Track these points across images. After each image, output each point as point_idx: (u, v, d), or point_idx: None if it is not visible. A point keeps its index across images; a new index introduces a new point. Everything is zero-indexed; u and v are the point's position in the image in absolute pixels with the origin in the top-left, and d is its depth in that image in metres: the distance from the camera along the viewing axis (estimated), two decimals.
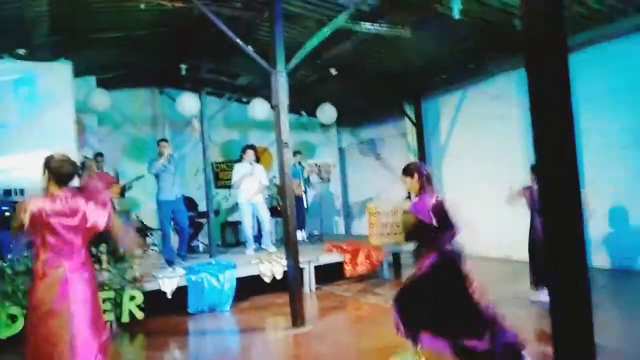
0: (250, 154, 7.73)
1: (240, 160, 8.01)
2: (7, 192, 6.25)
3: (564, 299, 2.08)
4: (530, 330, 4.34)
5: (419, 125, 9.38)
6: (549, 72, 2.10)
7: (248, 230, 7.62)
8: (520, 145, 7.40)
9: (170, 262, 6.57)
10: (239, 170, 7.66)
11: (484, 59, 7.67)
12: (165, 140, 7.17)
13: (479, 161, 8.50)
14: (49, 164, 2.80)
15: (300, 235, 8.68)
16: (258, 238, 8.76)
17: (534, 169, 5.19)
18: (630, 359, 3.52)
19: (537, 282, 5.18)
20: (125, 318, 5.31)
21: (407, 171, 3.59)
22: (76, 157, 6.64)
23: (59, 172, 2.80)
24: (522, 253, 7.51)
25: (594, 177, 6.32)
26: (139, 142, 9.63)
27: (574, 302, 2.05)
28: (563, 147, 2.06)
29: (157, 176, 6.81)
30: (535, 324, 4.51)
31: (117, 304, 5.31)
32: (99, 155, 7.93)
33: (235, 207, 10.11)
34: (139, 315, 5.35)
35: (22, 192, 7.77)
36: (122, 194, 7.89)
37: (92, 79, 8.27)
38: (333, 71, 8.23)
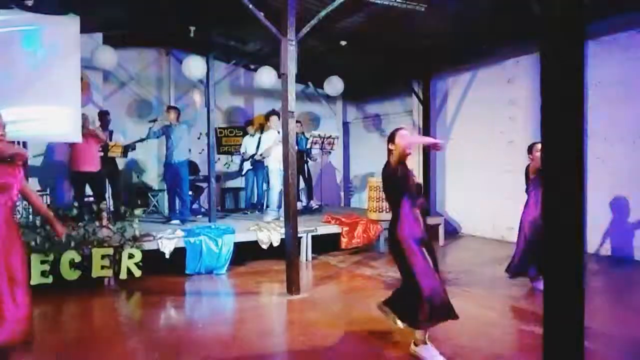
0: (274, 120, 7.68)
1: (245, 129, 8.04)
2: (10, 143, 6.23)
3: (559, 284, 2.11)
4: (519, 308, 4.44)
5: (426, 103, 9.32)
6: (564, 58, 2.08)
7: (275, 195, 7.51)
8: (525, 130, 7.38)
9: (169, 221, 6.82)
10: (269, 138, 7.69)
11: (497, 42, 7.57)
12: (171, 107, 7.35)
13: (483, 144, 8.51)
14: None
15: (314, 203, 8.81)
16: (256, 205, 8.84)
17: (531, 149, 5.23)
18: (617, 341, 3.60)
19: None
20: (123, 275, 5.40)
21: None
22: (79, 113, 6.68)
23: None
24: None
25: (597, 166, 6.37)
26: (143, 102, 9.59)
27: (569, 287, 2.09)
28: (571, 136, 2.06)
29: (165, 140, 7.26)
30: (524, 303, 4.60)
31: (116, 261, 5.40)
32: (105, 113, 7.86)
33: (233, 173, 10.19)
34: (137, 273, 5.45)
35: (24, 144, 7.80)
36: (124, 154, 7.90)
37: (99, 36, 8.17)
38: (343, 43, 8.12)
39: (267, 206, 7.83)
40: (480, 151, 8.54)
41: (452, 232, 8.94)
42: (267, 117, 8.00)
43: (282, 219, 7.18)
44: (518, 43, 7.40)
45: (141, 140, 7.93)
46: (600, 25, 6.38)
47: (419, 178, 9.36)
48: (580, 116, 2.06)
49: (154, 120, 7.41)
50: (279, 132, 7.48)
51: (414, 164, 9.74)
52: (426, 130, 9.35)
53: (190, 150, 8.45)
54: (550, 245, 2.14)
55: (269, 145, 7.65)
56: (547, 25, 2.14)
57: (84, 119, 7.14)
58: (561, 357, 2.12)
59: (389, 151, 3.51)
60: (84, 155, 7.02)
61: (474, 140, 8.71)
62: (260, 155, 7.98)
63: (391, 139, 3.54)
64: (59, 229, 3.37)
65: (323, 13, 5.15)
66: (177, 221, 7.01)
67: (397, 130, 3.57)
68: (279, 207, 7.40)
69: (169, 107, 7.51)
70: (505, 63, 8.07)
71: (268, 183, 7.81)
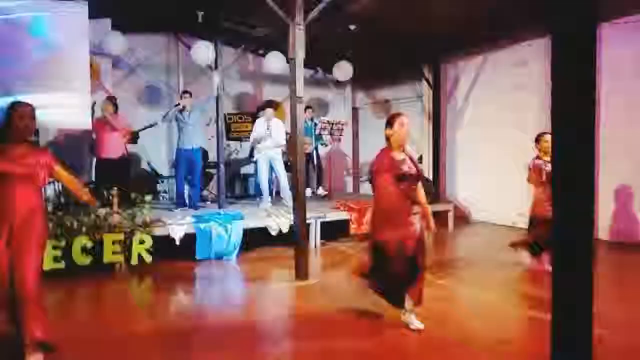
0: (268, 112, 7.66)
1: (257, 114, 8.08)
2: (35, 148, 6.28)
3: (567, 270, 2.09)
4: (527, 294, 4.42)
5: (436, 88, 9.21)
6: (576, 41, 2.03)
7: (264, 184, 7.63)
8: (536, 116, 7.28)
9: (180, 207, 6.84)
10: (256, 129, 7.67)
11: (509, 25, 7.42)
12: (185, 92, 7.31)
13: (493, 129, 8.41)
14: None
15: (323, 190, 8.79)
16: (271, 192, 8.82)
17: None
18: (624, 327, 3.58)
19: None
20: (134, 260, 5.47)
21: None
22: (89, 99, 6.70)
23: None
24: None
25: (610, 151, 6.27)
26: (152, 88, 9.58)
27: (577, 274, 2.07)
28: (581, 120, 2.02)
29: (178, 125, 7.20)
30: (532, 289, 4.57)
31: (127, 247, 5.45)
32: (112, 99, 7.89)
33: (245, 160, 10.16)
34: (148, 258, 5.51)
35: (37, 132, 7.82)
36: (133, 140, 7.92)
37: (107, 21, 8.15)
38: (352, 27, 8.02)
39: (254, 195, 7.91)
40: (491, 137, 8.44)
41: (463, 218, 8.88)
42: (262, 107, 8.01)
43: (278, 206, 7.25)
44: (530, 26, 7.26)
45: (151, 125, 7.95)
46: (613, 8, 6.23)
47: (425, 164, 9.31)
48: (591, 101, 2.02)
49: (177, 105, 7.28)
50: (267, 125, 7.54)
51: (424, 149, 9.68)
52: (437, 116, 9.26)
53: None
54: (560, 232, 2.12)
55: (254, 138, 7.64)
56: (558, 7, 2.08)
57: (103, 105, 7.21)
58: (569, 344, 2.11)
59: (387, 137, 3.56)
60: (108, 143, 7.05)
61: (484, 125, 8.60)
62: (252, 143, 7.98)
63: (389, 123, 3.55)
64: (89, 199, 3.48)
65: None
66: (191, 209, 7.03)
67: (396, 115, 3.56)
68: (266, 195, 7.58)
69: (186, 92, 7.45)
70: (517, 47, 7.92)
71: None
